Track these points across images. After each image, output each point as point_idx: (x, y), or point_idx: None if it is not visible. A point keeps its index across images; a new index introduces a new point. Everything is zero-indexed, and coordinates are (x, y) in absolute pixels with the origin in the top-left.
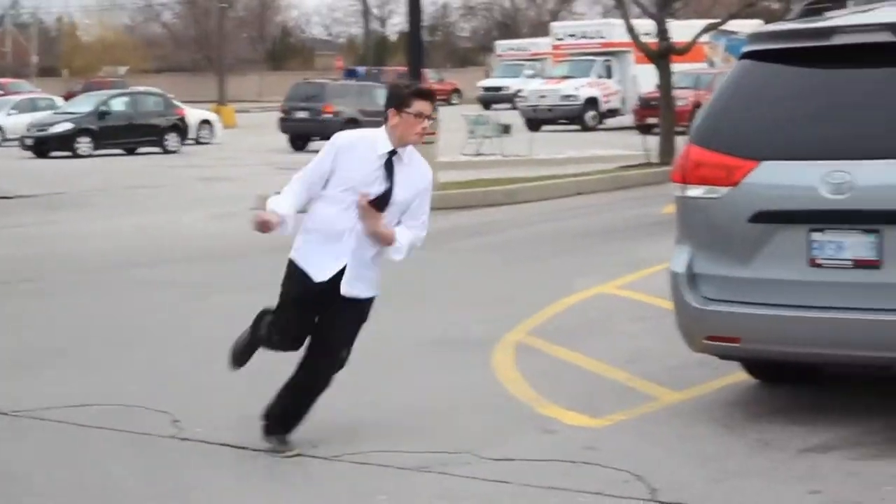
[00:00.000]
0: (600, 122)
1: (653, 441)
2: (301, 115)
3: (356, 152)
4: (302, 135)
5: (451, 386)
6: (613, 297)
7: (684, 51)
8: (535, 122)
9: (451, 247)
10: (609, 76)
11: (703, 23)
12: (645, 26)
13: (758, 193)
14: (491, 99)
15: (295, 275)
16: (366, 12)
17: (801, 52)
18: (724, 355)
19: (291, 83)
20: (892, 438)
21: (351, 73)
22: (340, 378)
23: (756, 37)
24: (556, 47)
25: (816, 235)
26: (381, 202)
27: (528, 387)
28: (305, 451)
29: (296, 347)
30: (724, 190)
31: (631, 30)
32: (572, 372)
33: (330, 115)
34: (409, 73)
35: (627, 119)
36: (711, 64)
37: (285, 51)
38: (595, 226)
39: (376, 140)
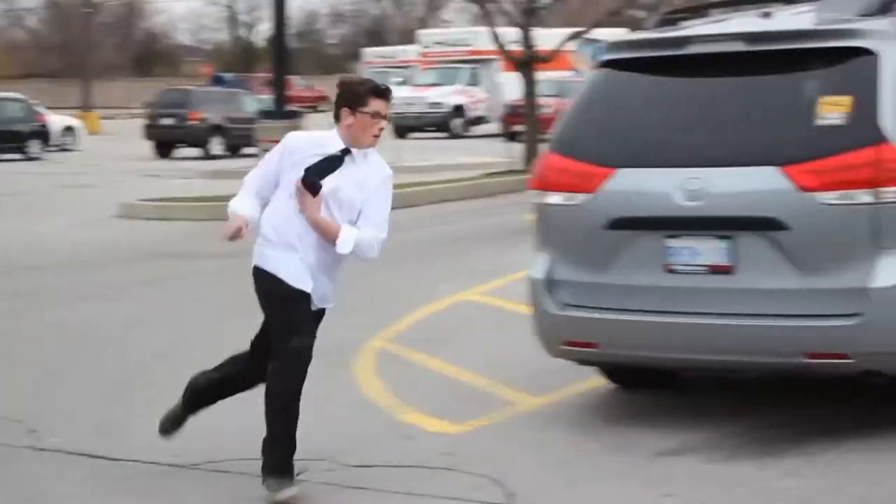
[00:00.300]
0: (467, 130)
1: (511, 446)
2: (167, 121)
3: (305, 154)
4: (167, 142)
5: (311, 393)
6: (476, 304)
7: (549, 59)
8: (402, 129)
9: None
10: (476, 84)
11: (569, 31)
12: (511, 34)
13: (615, 200)
14: None
15: (269, 281)
16: (233, 19)
17: (657, 60)
18: (583, 360)
19: (158, 89)
20: (745, 442)
21: (218, 80)
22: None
23: (614, 45)
24: (423, 55)
25: (671, 241)
26: (314, 185)
27: (388, 393)
28: (162, 460)
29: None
30: (582, 197)
31: (496, 38)
32: (433, 378)
33: (196, 122)
34: (274, 79)
35: (494, 126)
36: (577, 72)
37: (152, 57)
38: (460, 232)
39: (327, 141)
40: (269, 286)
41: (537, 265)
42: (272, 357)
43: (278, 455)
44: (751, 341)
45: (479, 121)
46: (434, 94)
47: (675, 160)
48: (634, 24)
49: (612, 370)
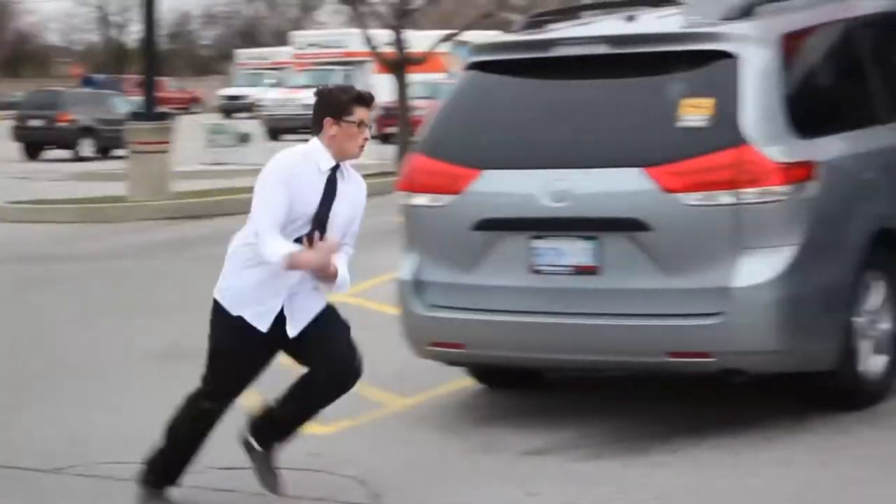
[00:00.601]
0: None
1: (378, 446)
2: (35, 123)
3: (304, 175)
4: (36, 143)
5: (180, 396)
6: (345, 305)
7: (421, 61)
8: (275, 131)
9: (185, 256)
10: None
11: (442, 33)
12: (385, 36)
13: (481, 202)
14: (231, 108)
15: (226, 321)
16: (104, 20)
17: (522, 63)
18: (450, 361)
19: (28, 90)
20: (611, 440)
21: (88, 82)
22: (66, 388)
23: (480, 48)
24: (297, 56)
25: (537, 242)
26: (320, 223)
27: (255, 395)
28: (27, 464)
29: (228, 404)
30: (448, 198)
31: (369, 40)
32: None
33: (65, 124)
34: (145, 80)
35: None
36: (450, 74)
37: (22, 57)
38: None
39: (318, 156)
40: (225, 325)
41: (405, 266)
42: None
43: None
44: (616, 341)
45: None
46: (307, 96)
47: (540, 161)
48: (507, 27)
49: (480, 370)
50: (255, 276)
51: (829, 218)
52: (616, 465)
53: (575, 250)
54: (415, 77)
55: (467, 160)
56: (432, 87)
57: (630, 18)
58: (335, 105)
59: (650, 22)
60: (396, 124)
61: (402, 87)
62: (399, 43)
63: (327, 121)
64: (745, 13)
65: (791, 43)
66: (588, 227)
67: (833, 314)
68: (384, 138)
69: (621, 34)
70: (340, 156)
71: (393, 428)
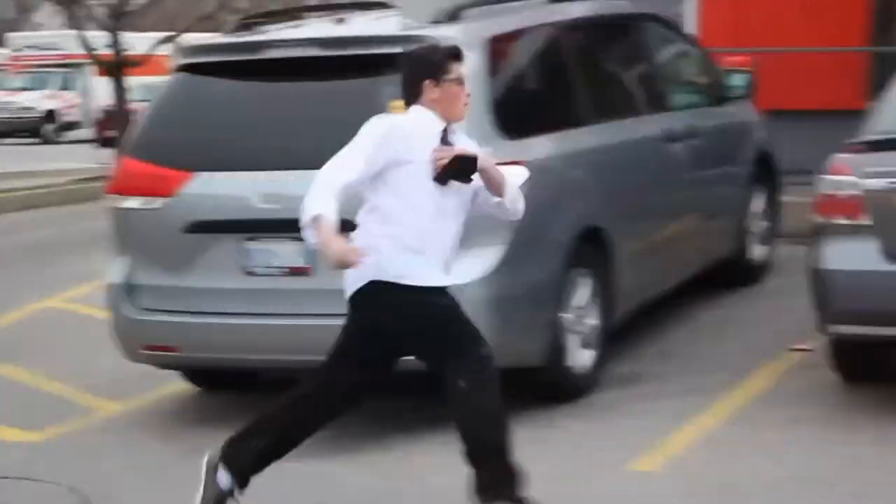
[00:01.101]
0: (59, 135)
1: (91, 453)
2: None
3: (418, 143)
4: None
5: None
6: (60, 311)
7: (140, 63)
8: None
9: None
10: (69, 88)
11: (162, 35)
12: (104, 38)
13: (193, 204)
14: None
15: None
16: None
17: (233, 65)
18: (163, 364)
19: None
20: (326, 438)
21: None
22: None
23: (189, 50)
24: (14, 58)
25: (250, 244)
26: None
27: None
28: None
29: None
30: (159, 201)
31: (85, 42)
32: (10, 387)
33: None
34: None
35: (87, 132)
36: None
37: None
38: (46, 239)
39: (426, 122)
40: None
41: (116, 270)
42: (458, 377)
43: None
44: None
45: (71, 126)
46: (24, 99)
47: (252, 164)
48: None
49: (195, 373)
50: (395, 246)
51: (537, 216)
52: (329, 465)
53: (287, 252)
54: (135, 80)
55: (178, 162)
56: (153, 90)
57: (340, 21)
58: (431, 65)
59: (360, 25)
60: (116, 127)
61: (121, 89)
62: (116, 45)
63: (427, 84)
64: (453, 17)
65: (498, 46)
66: (300, 229)
67: (542, 311)
68: (105, 142)
69: (331, 36)
70: (447, 118)
71: (106, 434)
